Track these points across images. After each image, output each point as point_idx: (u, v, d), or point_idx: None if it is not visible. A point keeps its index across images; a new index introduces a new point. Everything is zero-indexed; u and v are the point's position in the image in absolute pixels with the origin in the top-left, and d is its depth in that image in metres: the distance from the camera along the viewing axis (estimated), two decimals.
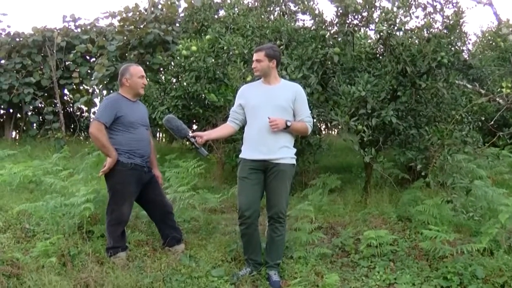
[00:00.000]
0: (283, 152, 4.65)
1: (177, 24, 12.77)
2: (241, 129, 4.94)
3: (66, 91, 15.20)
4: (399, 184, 7.69)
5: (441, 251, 5.02)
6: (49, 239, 5.13)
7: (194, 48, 8.32)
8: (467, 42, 7.35)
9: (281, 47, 6.81)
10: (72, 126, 15.01)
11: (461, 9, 6.40)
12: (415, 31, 6.53)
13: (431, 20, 6.55)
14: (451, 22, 6.53)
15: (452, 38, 6.56)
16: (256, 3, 8.79)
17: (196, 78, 8.77)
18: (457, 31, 6.52)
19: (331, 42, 6.55)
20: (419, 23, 6.65)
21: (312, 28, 6.91)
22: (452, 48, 6.50)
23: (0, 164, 8.30)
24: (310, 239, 5.49)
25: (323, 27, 6.59)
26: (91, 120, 5.36)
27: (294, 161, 4.77)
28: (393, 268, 5.05)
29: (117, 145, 4.84)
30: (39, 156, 11.15)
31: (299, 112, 4.74)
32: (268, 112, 4.53)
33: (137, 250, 5.32)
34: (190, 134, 4.66)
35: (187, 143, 4.78)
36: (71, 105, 15.38)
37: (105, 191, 5.80)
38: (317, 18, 6.63)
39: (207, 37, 8.42)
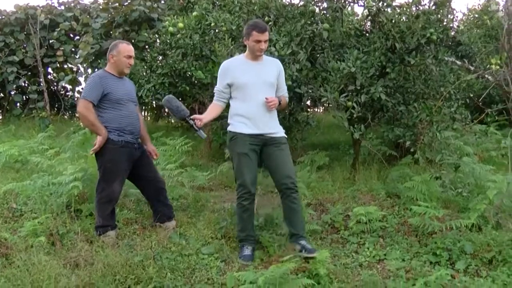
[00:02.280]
0: (277, 126, 4.80)
1: (163, 1, 12.61)
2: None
3: (50, 70, 15.01)
4: (386, 161, 7.70)
5: (430, 227, 5.04)
6: (37, 218, 5.10)
7: (180, 25, 8.21)
8: (454, 19, 7.32)
9: (269, 23, 6.74)
10: (57, 105, 14.83)
11: None
12: (404, 8, 6.48)
13: None
14: None
15: (441, 14, 6.53)
16: None
17: (182, 55, 8.67)
18: (446, 7, 6.48)
19: (319, 19, 6.48)
20: None
21: (300, 4, 6.82)
22: (441, 25, 6.47)
23: None
24: None
25: (312, 3, 6.53)
26: (78, 99, 5.25)
27: (285, 135, 4.90)
28: (382, 244, 5.07)
29: (106, 123, 4.79)
30: (23, 135, 11.03)
31: (281, 87, 4.92)
32: (261, 89, 4.65)
33: (126, 228, 5.29)
34: (189, 116, 4.65)
35: (186, 124, 4.76)
36: (55, 84, 15.18)
37: (93, 170, 5.78)
38: None
39: (194, 13, 8.30)
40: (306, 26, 6.40)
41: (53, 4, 14.31)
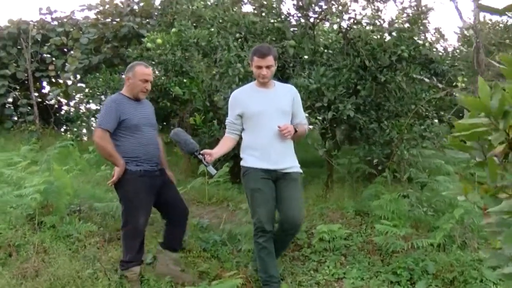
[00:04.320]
0: (292, 160, 4.44)
1: (154, 18, 12.69)
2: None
3: (44, 84, 15.11)
4: (367, 179, 7.67)
5: (392, 246, 5.02)
6: None
7: (159, 41, 8.26)
8: (428, 37, 7.35)
9: (240, 40, 6.76)
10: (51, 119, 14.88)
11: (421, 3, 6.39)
12: (376, 25, 6.49)
13: (400, 12, 6.53)
14: (412, 15, 6.52)
15: (413, 31, 6.54)
16: None
17: (165, 71, 8.72)
18: (419, 24, 6.49)
19: (289, 35, 6.48)
20: (379, 15, 6.62)
21: (270, 21, 6.84)
22: (413, 42, 6.47)
23: None
24: None
25: (279, 20, 6.55)
26: (93, 127, 4.89)
27: (301, 170, 4.53)
28: (343, 262, 5.06)
29: (123, 153, 4.43)
30: (11, 148, 11.06)
31: (297, 114, 4.53)
32: (273, 118, 4.29)
33: (87, 240, 5.29)
34: (199, 151, 4.30)
35: (194, 158, 4.39)
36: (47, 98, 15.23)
37: (59, 183, 5.78)
38: (273, 11, 6.58)
39: (173, 30, 8.36)
40: (273, 43, 6.39)
41: (46, 19, 14.42)
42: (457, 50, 8.52)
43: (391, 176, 6.18)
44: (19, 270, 4.40)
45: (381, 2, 6.48)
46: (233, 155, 6.35)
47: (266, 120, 4.30)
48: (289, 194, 4.32)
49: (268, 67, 4.28)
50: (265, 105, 4.34)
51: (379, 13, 6.60)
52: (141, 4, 13.02)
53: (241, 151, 4.48)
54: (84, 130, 11.84)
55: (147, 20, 12.55)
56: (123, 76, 4.67)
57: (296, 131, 4.32)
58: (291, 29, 6.59)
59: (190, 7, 8.35)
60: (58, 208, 5.68)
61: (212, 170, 4.32)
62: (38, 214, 5.52)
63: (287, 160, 4.38)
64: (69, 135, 11.53)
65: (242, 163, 4.45)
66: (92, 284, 4.21)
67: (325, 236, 5.26)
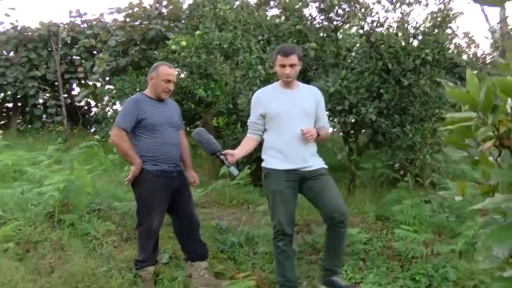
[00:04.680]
0: (315, 159, 4.28)
1: (182, 21, 12.78)
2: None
3: (74, 86, 15.36)
4: (391, 184, 7.56)
5: (412, 252, 4.92)
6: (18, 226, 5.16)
7: (184, 43, 8.28)
8: (458, 41, 7.22)
9: (262, 42, 6.74)
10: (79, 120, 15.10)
11: (447, 5, 6.29)
12: (399, 27, 6.41)
13: (427, 16, 6.44)
14: (438, 18, 6.42)
15: (438, 35, 6.43)
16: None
17: (189, 73, 8.75)
18: (444, 28, 6.39)
19: (311, 38, 6.43)
20: (405, 19, 6.54)
21: (291, 23, 6.79)
22: (438, 45, 6.35)
23: None
24: None
25: (301, 22, 6.51)
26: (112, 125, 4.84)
27: (326, 166, 4.35)
28: (362, 267, 4.97)
29: (141, 152, 4.40)
30: (38, 148, 11.23)
31: (320, 117, 4.40)
32: (296, 119, 4.17)
33: (105, 239, 5.31)
34: (221, 151, 4.18)
35: (216, 159, 4.27)
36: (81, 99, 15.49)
37: (80, 182, 5.84)
38: (295, 13, 6.54)
39: (197, 32, 8.37)
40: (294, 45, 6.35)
41: (76, 22, 14.67)
42: (489, 56, 8.33)
43: (413, 181, 6.07)
44: (35, 266, 4.44)
45: (407, 5, 6.37)
46: (256, 158, 6.31)
47: (289, 121, 4.18)
48: (322, 188, 4.17)
49: (291, 65, 4.17)
50: (288, 106, 4.23)
51: (406, 17, 6.51)
52: (170, 7, 13.15)
53: (263, 152, 4.36)
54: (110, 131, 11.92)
55: (175, 23, 12.64)
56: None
57: (318, 134, 4.20)
58: (314, 31, 6.52)
59: (213, 9, 8.33)
60: (77, 206, 5.74)
61: (234, 171, 4.22)
62: (58, 212, 5.58)
63: (310, 159, 4.23)
64: (96, 136, 11.62)
65: (263, 164, 4.32)
66: (105, 282, 4.22)
67: None
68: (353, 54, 6.81)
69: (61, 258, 4.66)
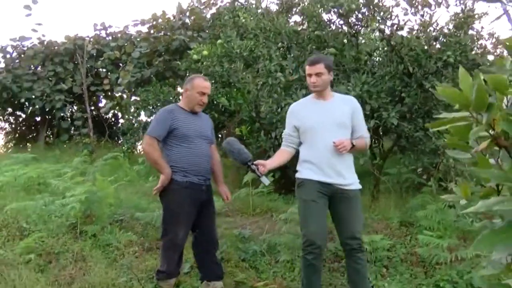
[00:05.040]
0: (351, 176, 4.16)
1: (206, 31, 12.84)
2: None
3: (101, 98, 15.55)
4: (416, 189, 7.44)
5: (436, 258, 4.82)
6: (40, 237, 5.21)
7: (205, 52, 8.28)
8: (479, 41, 7.09)
9: (281, 49, 6.71)
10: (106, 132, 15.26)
11: (468, 6, 6.18)
12: (420, 30, 6.32)
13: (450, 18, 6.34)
14: (460, 19, 6.32)
15: (461, 36, 6.32)
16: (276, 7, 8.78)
17: (213, 82, 8.75)
18: (465, 29, 6.28)
19: (331, 43, 6.39)
20: (425, 21, 6.45)
21: (310, 30, 6.75)
22: (460, 47, 6.23)
23: (10, 167, 8.44)
24: (298, 243, 5.35)
25: (320, 28, 6.46)
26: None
27: (360, 186, 4.24)
28: (385, 274, 4.90)
29: (171, 162, 4.36)
30: (65, 160, 11.37)
31: (357, 128, 4.22)
32: (329, 131, 4.05)
33: (126, 249, 5.33)
34: (252, 161, 4.11)
35: (247, 168, 4.19)
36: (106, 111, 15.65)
37: (102, 193, 5.87)
38: (314, 19, 6.49)
39: (219, 41, 8.37)
40: (314, 51, 6.30)
41: (101, 35, 14.85)
42: None
43: (436, 185, 5.95)
44: (56, 277, 4.47)
45: (428, 7, 6.28)
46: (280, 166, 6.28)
47: (322, 133, 4.07)
48: (347, 214, 4.07)
49: (317, 74, 4.10)
50: (320, 117, 4.13)
51: (428, 19, 6.42)
52: (193, 17, 13.23)
53: (298, 164, 4.25)
54: (135, 142, 12.02)
55: (199, 33, 12.70)
56: (180, 89, 4.55)
57: (353, 145, 4.05)
58: (333, 37, 6.48)
59: (233, 18, 8.34)
60: (100, 217, 5.78)
61: (265, 181, 4.15)
62: (80, 223, 5.61)
63: (345, 175, 4.09)
64: (123, 147, 11.72)
65: (297, 175, 4.22)
66: None
67: (367, 247, 5.08)
68: (374, 58, 6.71)
69: (81, 269, 4.68)
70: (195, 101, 4.45)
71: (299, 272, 4.89)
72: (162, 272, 4.43)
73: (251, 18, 7.80)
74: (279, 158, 4.28)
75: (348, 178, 4.09)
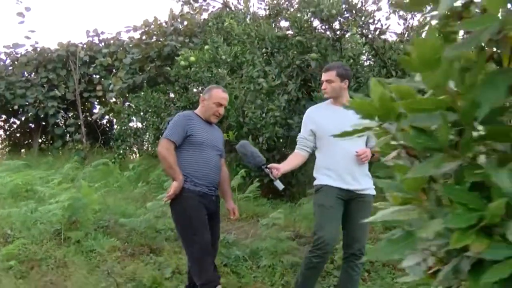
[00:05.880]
0: (367, 181, 4.18)
1: (198, 37, 12.86)
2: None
3: (96, 104, 15.55)
4: None
5: None
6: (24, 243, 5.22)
7: (192, 58, 8.33)
8: None
9: (265, 55, 6.72)
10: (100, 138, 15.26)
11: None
12: (403, 34, 6.35)
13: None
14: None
15: None
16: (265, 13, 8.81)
17: (198, 87, 8.81)
18: None
19: (314, 48, 6.40)
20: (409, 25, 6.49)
21: (293, 35, 6.77)
22: None
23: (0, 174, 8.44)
24: (280, 248, 5.37)
25: (302, 33, 6.48)
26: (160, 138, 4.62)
27: (375, 192, 4.23)
28: (366, 278, 4.92)
29: (184, 169, 4.18)
30: (57, 166, 11.37)
31: (372, 136, 4.15)
32: (348, 138, 3.98)
33: (109, 255, 5.33)
34: (266, 164, 4.12)
35: (261, 172, 4.26)
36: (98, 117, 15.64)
37: (87, 199, 5.87)
38: (295, 24, 6.51)
39: (206, 47, 8.41)
40: (296, 56, 6.32)
41: (93, 41, 14.86)
42: None
43: None
44: (38, 283, 4.49)
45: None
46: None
47: (339, 140, 4.06)
48: (358, 218, 3.89)
49: (328, 81, 4.14)
50: (339, 125, 4.00)
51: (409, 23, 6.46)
52: (185, 23, 13.24)
53: (315, 170, 4.28)
54: (127, 148, 12.05)
55: (191, 38, 12.71)
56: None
57: (373, 154, 4.04)
58: (316, 42, 6.49)
59: (216, 24, 8.37)
60: (84, 223, 5.78)
61: (279, 185, 4.11)
62: (65, 229, 5.62)
63: (362, 181, 4.13)
64: (115, 154, 11.72)
65: (315, 182, 4.25)
66: None
67: None
68: (360, 63, 6.74)
69: (63, 275, 4.70)
70: (211, 111, 4.32)
71: (280, 276, 4.93)
72: (205, 284, 4.07)
73: (237, 25, 7.82)
74: (293, 161, 4.31)
75: (365, 183, 4.12)
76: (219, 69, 7.74)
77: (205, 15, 13.26)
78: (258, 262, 5.31)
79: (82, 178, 7.96)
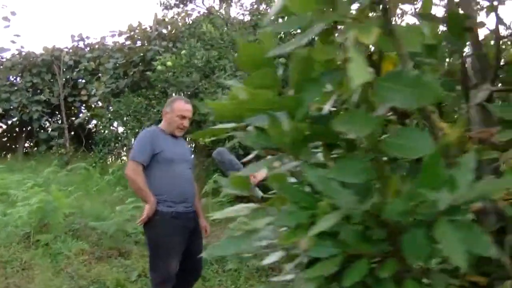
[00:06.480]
0: None
1: (181, 42, 12.90)
2: None
3: (82, 109, 15.55)
4: None
5: None
6: None
7: (169, 63, 8.37)
8: None
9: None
10: (86, 142, 15.26)
11: None
12: None
13: None
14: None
15: None
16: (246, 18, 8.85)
17: (178, 92, 8.83)
18: None
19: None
20: None
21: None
22: None
23: None
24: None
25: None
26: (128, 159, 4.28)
27: None
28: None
29: (155, 191, 3.98)
30: (39, 170, 11.36)
31: None
32: None
33: (76, 258, 5.36)
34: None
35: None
36: (84, 122, 15.64)
37: (58, 203, 5.90)
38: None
39: (182, 52, 8.46)
40: None
41: (78, 46, 14.89)
42: None
43: None
44: (2, 285, 4.50)
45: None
46: None
47: None
48: None
49: None
50: None
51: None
52: (169, 27, 13.29)
53: None
54: (108, 152, 12.08)
55: (175, 43, 12.75)
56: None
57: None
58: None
59: (188, 29, 8.41)
60: (54, 226, 5.80)
61: (257, 193, 3.97)
62: (35, 232, 5.64)
63: None
64: (96, 158, 11.76)
65: None
66: None
67: None
68: None
69: (27, 277, 4.72)
70: (174, 124, 4.11)
71: (245, 280, 4.97)
72: None
73: (214, 29, 7.87)
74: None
75: None
76: (193, 74, 7.79)
77: (189, 20, 13.33)
78: (224, 266, 5.34)
79: (57, 182, 7.98)
